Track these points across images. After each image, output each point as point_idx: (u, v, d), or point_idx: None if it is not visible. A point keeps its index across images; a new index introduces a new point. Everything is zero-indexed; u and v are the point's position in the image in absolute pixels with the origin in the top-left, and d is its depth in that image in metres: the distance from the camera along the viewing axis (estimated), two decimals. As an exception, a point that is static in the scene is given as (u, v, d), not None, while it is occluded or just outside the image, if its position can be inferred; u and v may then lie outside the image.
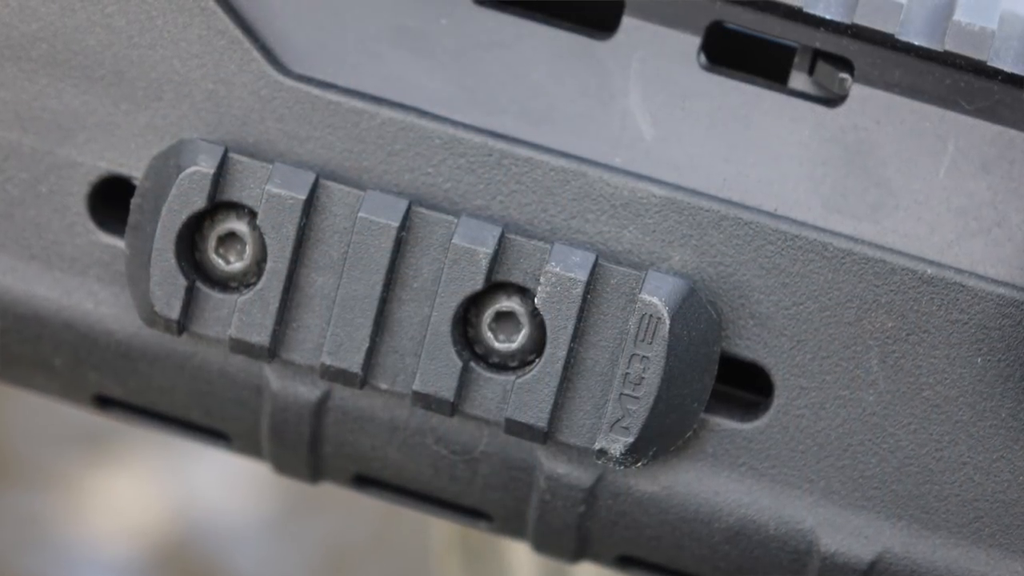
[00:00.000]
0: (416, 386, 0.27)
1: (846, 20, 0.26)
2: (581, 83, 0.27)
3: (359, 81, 0.28)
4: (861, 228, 0.27)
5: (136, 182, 0.27)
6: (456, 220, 0.26)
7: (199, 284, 0.27)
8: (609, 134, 0.27)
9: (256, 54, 0.27)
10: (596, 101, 0.27)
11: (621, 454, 0.26)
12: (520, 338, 0.27)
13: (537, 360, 0.27)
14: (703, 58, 0.27)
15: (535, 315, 0.26)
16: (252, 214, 0.27)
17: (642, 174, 0.27)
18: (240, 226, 0.27)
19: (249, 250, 0.27)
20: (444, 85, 0.28)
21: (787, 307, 0.27)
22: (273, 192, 0.26)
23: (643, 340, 0.26)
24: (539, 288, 0.26)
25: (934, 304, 0.26)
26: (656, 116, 0.27)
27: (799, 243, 0.26)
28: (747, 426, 0.27)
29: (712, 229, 0.27)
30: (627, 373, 0.26)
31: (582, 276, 0.26)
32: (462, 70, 0.28)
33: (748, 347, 0.27)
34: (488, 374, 0.27)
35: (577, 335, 0.26)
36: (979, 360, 0.26)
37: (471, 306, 0.27)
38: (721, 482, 0.28)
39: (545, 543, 0.30)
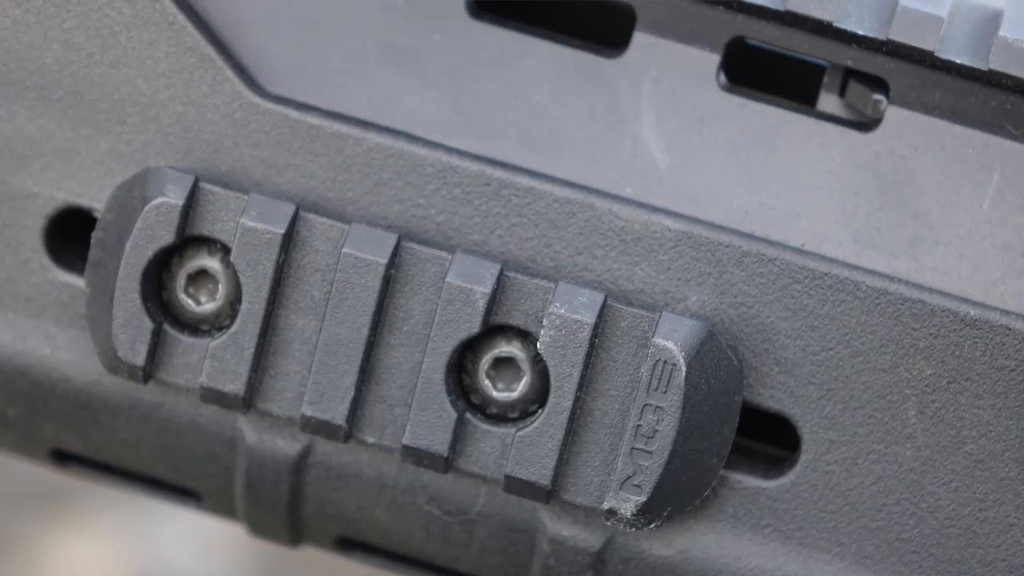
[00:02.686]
0: (406, 440, 0.25)
1: (881, 36, 0.24)
2: (588, 105, 0.25)
3: (343, 103, 0.26)
4: (897, 265, 0.25)
5: (97, 214, 0.25)
6: (450, 256, 0.24)
7: (167, 327, 0.25)
8: (619, 161, 0.25)
9: (230, 73, 0.25)
10: (605, 125, 0.25)
11: (632, 515, 0.24)
12: (521, 386, 0.25)
13: (540, 411, 0.25)
14: (723, 78, 0.25)
15: (537, 361, 0.24)
16: (225, 250, 0.25)
17: (655, 206, 0.25)
18: (212, 263, 0.25)
19: (222, 289, 0.25)
20: (437, 107, 0.26)
21: (815, 352, 0.25)
22: (248, 226, 0.24)
23: (657, 389, 0.24)
24: (542, 331, 0.24)
25: (977, 349, 0.24)
26: (671, 141, 0.25)
27: (829, 282, 0.24)
28: (771, 484, 0.25)
29: (733, 266, 0.25)
30: (639, 425, 0.24)
31: (589, 318, 0.24)
32: (457, 91, 0.26)
33: (772, 396, 0.25)
34: (486, 426, 0.25)
35: (584, 383, 0.24)
36: None
37: (467, 351, 0.25)
38: (743, 545, 0.25)
39: None
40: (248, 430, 0.26)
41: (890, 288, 0.24)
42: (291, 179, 0.25)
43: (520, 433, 0.24)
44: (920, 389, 0.24)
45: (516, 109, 0.25)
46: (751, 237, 0.25)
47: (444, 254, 0.24)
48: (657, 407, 0.24)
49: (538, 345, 0.24)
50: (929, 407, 0.24)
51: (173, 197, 0.24)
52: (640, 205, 0.25)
